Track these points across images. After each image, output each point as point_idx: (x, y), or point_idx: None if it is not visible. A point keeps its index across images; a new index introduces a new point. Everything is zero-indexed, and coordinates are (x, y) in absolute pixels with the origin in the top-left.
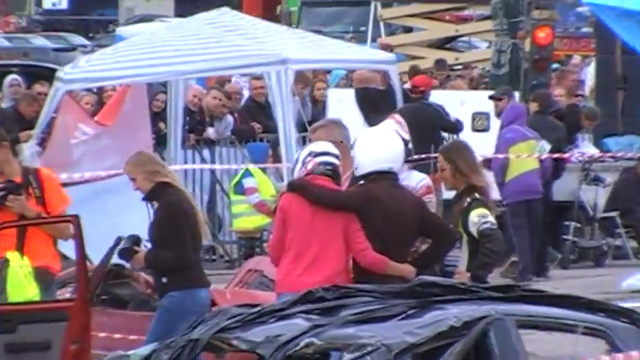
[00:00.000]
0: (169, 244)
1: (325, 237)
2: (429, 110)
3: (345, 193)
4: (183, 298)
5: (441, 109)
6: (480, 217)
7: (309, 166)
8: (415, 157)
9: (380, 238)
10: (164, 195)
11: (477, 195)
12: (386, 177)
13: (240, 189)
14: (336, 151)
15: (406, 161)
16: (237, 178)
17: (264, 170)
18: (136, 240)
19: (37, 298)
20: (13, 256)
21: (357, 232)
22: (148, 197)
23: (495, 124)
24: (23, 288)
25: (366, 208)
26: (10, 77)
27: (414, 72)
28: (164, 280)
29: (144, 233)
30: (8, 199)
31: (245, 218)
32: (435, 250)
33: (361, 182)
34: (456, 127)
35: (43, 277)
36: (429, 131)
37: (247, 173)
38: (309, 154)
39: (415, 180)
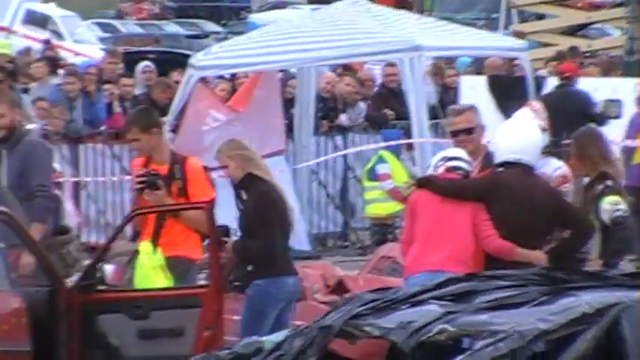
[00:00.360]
0: (258, 234)
1: (453, 228)
2: (575, 97)
3: (471, 181)
4: (268, 286)
5: (586, 96)
6: (612, 205)
7: (440, 170)
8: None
9: (507, 225)
10: (254, 185)
11: (608, 182)
12: (518, 166)
13: (373, 175)
14: (467, 158)
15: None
16: (370, 164)
17: (397, 157)
18: (224, 230)
19: None
20: (144, 247)
21: (484, 222)
22: (238, 186)
23: (629, 111)
24: (149, 280)
25: (493, 194)
26: (142, 64)
27: (560, 58)
28: (249, 268)
29: None
30: (145, 192)
31: (378, 205)
32: (571, 241)
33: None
34: (600, 117)
35: (178, 266)
36: (573, 118)
37: (381, 159)
38: (442, 159)
39: (551, 168)
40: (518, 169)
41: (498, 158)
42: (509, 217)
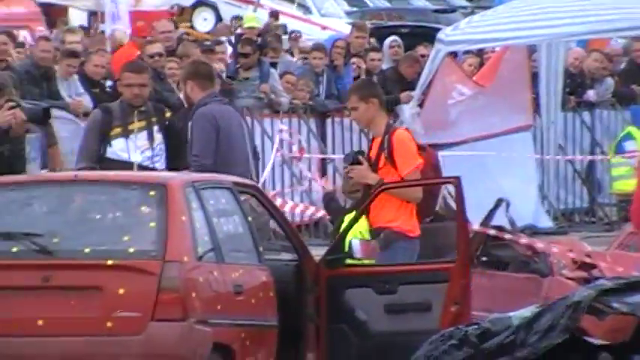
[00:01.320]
0: None
1: None
2: None
3: None
4: None
5: None
6: None
7: None
8: None
9: None
10: None
11: None
12: None
13: (620, 150)
14: None
15: None
16: (617, 140)
17: None
18: None
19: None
20: (349, 217)
21: None
22: None
23: None
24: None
25: None
26: (390, 39)
27: None
28: None
29: (525, 194)
30: (347, 169)
31: (625, 181)
32: None
33: None
34: None
35: (384, 238)
36: None
37: (629, 136)
38: None
39: None
40: None
41: None
42: None
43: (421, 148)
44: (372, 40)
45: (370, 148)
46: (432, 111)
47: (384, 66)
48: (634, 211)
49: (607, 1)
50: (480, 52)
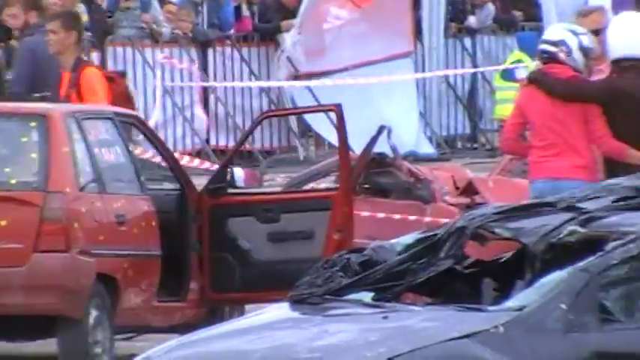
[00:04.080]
0: None
1: (567, 123)
2: None
3: (583, 86)
4: None
5: None
6: None
7: (538, 53)
8: None
9: (622, 131)
10: None
11: None
12: (636, 66)
13: (510, 76)
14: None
15: None
16: (506, 64)
17: (533, 59)
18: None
19: None
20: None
21: (596, 119)
22: None
23: None
24: None
25: (605, 101)
26: None
27: None
28: None
29: (407, 121)
30: None
31: (510, 105)
32: None
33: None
34: None
35: None
36: None
37: (520, 62)
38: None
39: None
40: (634, 70)
41: (611, 55)
42: (623, 124)
43: (109, 79)
44: None
45: (61, 84)
46: (311, 37)
47: None
48: (504, 140)
49: None
50: None
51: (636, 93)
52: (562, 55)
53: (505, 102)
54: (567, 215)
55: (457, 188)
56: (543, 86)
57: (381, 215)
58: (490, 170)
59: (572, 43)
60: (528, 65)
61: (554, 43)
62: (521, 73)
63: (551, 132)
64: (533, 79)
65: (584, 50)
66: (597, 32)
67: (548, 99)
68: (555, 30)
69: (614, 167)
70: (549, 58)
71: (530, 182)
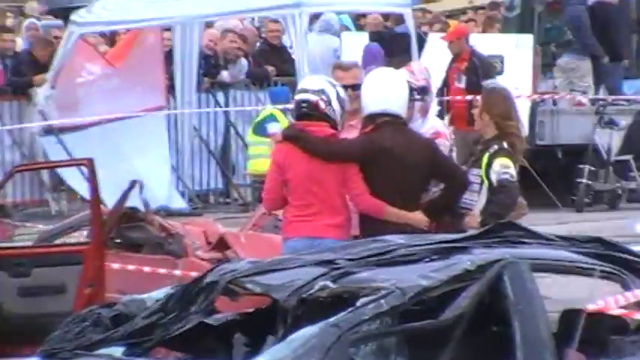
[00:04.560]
0: None
1: (324, 183)
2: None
3: (342, 145)
4: None
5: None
6: (501, 167)
7: (294, 105)
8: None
9: (380, 188)
10: None
11: (504, 144)
12: (391, 122)
13: (262, 131)
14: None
15: None
16: (259, 119)
17: (284, 114)
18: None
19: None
20: None
21: (353, 176)
22: None
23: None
24: None
25: (365, 159)
26: (27, 21)
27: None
28: None
29: (159, 176)
30: None
31: (263, 160)
32: (446, 195)
33: (368, 128)
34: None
35: None
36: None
37: (272, 117)
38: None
39: (427, 127)
40: (394, 126)
41: (365, 111)
42: (387, 177)
43: None
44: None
45: None
46: (64, 92)
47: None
48: (267, 201)
49: None
50: (113, 35)
51: (395, 149)
52: (322, 105)
53: (258, 157)
54: (319, 270)
55: (209, 243)
56: (301, 144)
57: (132, 269)
58: (242, 225)
59: (331, 93)
60: (280, 120)
61: (315, 92)
62: (274, 128)
63: (309, 193)
64: (289, 136)
65: (340, 102)
66: (355, 87)
67: (306, 157)
68: (314, 80)
69: (370, 225)
70: (308, 109)
71: (284, 240)
